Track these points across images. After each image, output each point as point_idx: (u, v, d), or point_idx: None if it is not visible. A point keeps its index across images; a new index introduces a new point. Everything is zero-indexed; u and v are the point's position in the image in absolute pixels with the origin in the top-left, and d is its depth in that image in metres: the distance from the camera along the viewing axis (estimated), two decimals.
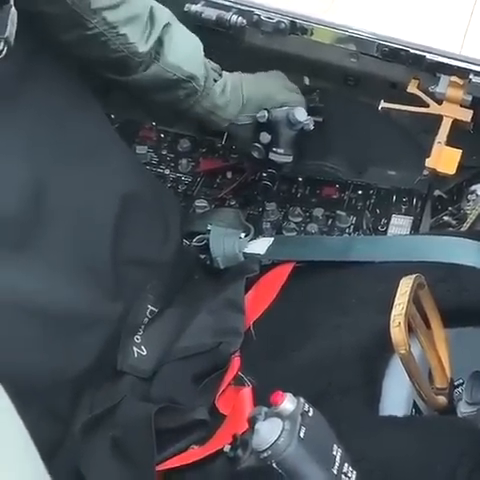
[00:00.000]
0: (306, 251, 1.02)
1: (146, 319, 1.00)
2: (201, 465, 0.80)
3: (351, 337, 0.84)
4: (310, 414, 0.50)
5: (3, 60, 0.77)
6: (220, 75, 1.08)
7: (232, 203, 1.24)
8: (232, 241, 1.09)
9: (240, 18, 1.08)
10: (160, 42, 1.01)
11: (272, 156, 1.09)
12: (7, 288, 0.80)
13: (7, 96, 0.84)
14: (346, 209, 1.20)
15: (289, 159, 1.11)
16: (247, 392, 0.85)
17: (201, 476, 0.78)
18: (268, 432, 0.48)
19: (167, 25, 1.01)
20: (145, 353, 0.98)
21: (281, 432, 0.47)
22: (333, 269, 0.97)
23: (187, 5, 1.09)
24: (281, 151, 1.09)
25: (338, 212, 1.19)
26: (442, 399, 0.79)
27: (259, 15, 1.07)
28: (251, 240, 1.10)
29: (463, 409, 0.79)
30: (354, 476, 0.50)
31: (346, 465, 0.50)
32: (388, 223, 1.17)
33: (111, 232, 0.96)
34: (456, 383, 0.84)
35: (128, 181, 1.01)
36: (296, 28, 1.07)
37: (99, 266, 0.94)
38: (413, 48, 1.03)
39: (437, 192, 1.17)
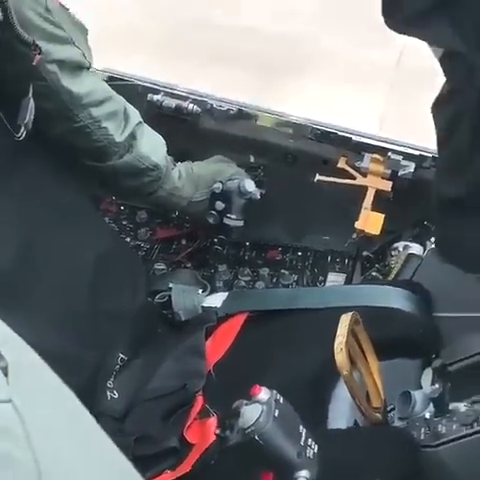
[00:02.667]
0: (257, 302, 1.18)
1: (117, 366, 1.13)
2: None
3: (301, 369, 1.00)
4: (281, 401, 0.65)
5: (5, 138, 0.92)
6: (174, 165, 1.26)
7: (188, 266, 1.39)
8: (191, 296, 1.24)
9: (195, 106, 1.27)
10: (133, 136, 1.18)
11: (226, 221, 1.26)
12: None
13: (4, 168, 0.99)
14: (288, 268, 1.37)
15: (241, 223, 1.28)
16: (213, 421, 0.99)
17: None
18: (251, 413, 0.62)
19: (139, 123, 1.20)
20: (117, 396, 1.10)
21: (261, 413, 0.62)
22: (281, 316, 1.13)
23: (149, 95, 1.28)
24: (234, 217, 1.26)
25: (282, 271, 1.36)
26: (378, 416, 0.94)
27: (212, 104, 1.26)
28: (208, 295, 1.25)
29: (396, 424, 0.95)
30: (316, 448, 0.65)
31: (310, 439, 0.64)
32: (325, 280, 1.35)
33: (88, 287, 1.09)
34: (389, 408, 1.00)
35: (102, 243, 1.16)
36: (243, 115, 1.27)
37: (79, 317, 1.07)
38: (341, 131, 1.23)
39: (365, 253, 1.36)
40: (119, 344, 1.14)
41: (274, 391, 0.67)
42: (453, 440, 0.82)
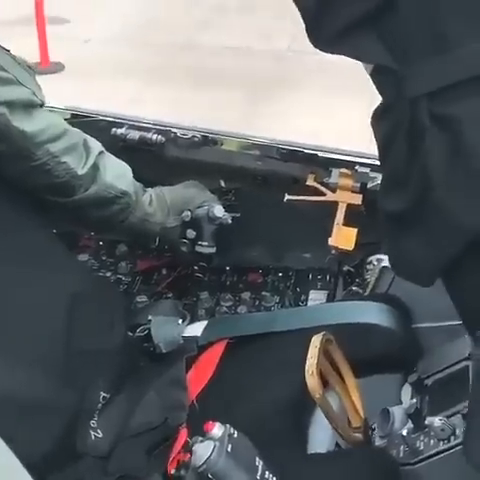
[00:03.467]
0: (236, 328, 1.17)
1: (100, 405, 1.11)
2: None
3: (279, 393, 0.98)
4: (235, 436, 0.63)
5: None
6: (144, 190, 1.25)
7: (169, 295, 1.38)
8: (171, 327, 1.22)
9: (159, 136, 1.26)
10: (96, 167, 1.18)
11: (198, 248, 1.25)
12: None
13: None
14: (270, 290, 1.36)
15: (213, 250, 1.27)
16: None
17: None
18: (203, 451, 0.61)
19: (101, 153, 1.19)
20: (101, 435, 1.09)
21: (213, 449, 0.60)
22: (260, 340, 1.12)
23: (113, 129, 1.28)
24: (205, 243, 1.25)
25: (263, 293, 1.35)
26: (358, 436, 0.92)
27: (175, 133, 1.26)
28: (188, 325, 1.24)
29: (377, 443, 0.93)
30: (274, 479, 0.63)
31: (267, 472, 0.63)
32: (307, 298, 1.33)
33: (62, 326, 1.08)
34: (372, 426, 0.98)
35: (74, 280, 1.15)
36: (208, 141, 1.26)
37: (53, 357, 1.06)
38: (306, 148, 1.23)
39: (346, 267, 1.35)
40: (100, 382, 1.13)
41: (228, 426, 0.65)
42: (430, 456, 0.80)
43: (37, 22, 4.18)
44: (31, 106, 1.07)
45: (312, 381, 0.86)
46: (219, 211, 1.24)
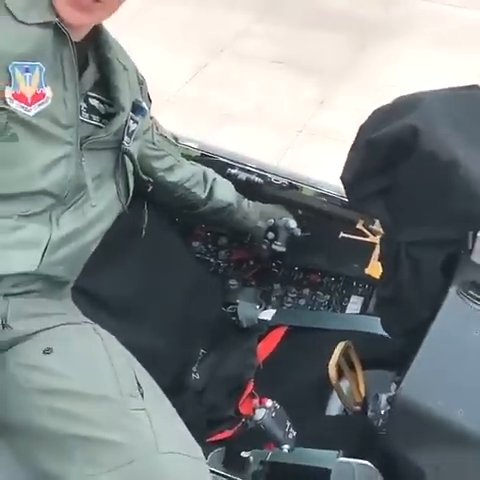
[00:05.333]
0: (294, 320, 1.75)
1: (199, 357, 1.73)
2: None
3: (312, 373, 1.56)
4: (277, 407, 1.22)
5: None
6: (244, 198, 1.80)
7: (252, 283, 1.95)
8: (251, 310, 1.81)
9: (259, 179, 1.81)
10: (212, 190, 1.74)
11: (274, 246, 1.81)
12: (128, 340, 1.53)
13: (133, 235, 1.58)
14: (323, 290, 1.90)
15: (284, 249, 1.81)
16: (256, 401, 1.57)
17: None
18: (260, 413, 1.19)
19: (214, 179, 1.75)
20: (198, 377, 1.71)
21: (264, 414, 1.19)
22: (308, 332, 1.69)
23: (228, 170, 1.83)
24: (279, 243, 1.80)
25: (318, 292, 1.89)
26: (358, 408, 1.49)
27: (270, 177, 1.80)
28: (263, 310, 1.82)
29: (368, 414, 1.49)
30: (294, 433, 1.22)
31: (291, 428, 1.21)
32: (349, 301, 1.87)
33: (182, 303, 1.70)
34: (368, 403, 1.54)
35: (192, 272, 1.76)
36: (293, 186, 1.80)
37: (176, 324, 1.67)
38: None
39: None
40: (201, 341, 1.74)
41: (275, 402, 1.24)
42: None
43: None
44: (174, 166, 1.64)
45: (332, 372, 1.43)
46: (293, 223, 1.78)
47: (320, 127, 3.53)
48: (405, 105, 1.20)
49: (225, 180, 1.78)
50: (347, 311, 1.84)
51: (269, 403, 1.22)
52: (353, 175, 1.19)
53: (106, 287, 1.56)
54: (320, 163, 2.90)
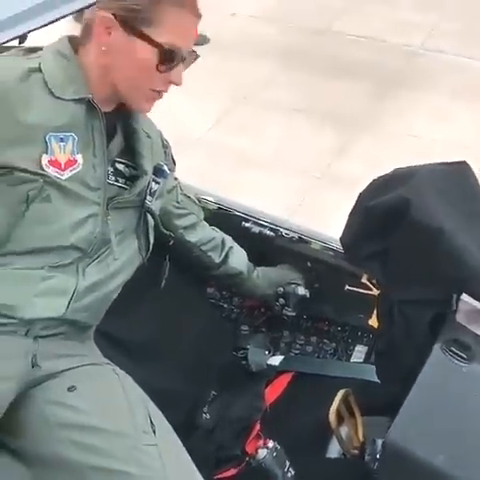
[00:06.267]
0: (300, 366, 1.87)
1: (210, 398, 1.85)
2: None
3: (315, 418, 1.66)
4: (278, 447, 1.33)
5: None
6: (255, 268, 1.91)
7: (263, 329, 2.06)
8: (260, 356, 1.93)
9: (271, 232, 1.94)
10: (227, 256, 1.86)
11: (284, 311, 1.93)
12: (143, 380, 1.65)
13: (153, 285, 1.71)
14: (330, 338, 2.01)
15: (294, 314, 1.93)
16: (261, 442, 1.68)
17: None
18: (262, 453, 1.31)
19: (231, 247, 1.87)
20: (209, 417, 1.82)
21: (266, 454, 1.30)
22: (313, 378, 1.80)
23: (242, 223, 1.96)
24: (290, 309, 1.92)
25: (325, 340, 2.00)
26: (355, 452, 1.59)
27: (281, 231, 1.93)
28: (272, 356, 1.94)
29: (366, 458, 1.59)
30: (293, 472, 1.33)
31: (291, 468, 1.32)
32: (354, 349, 1.98)
33: (195, 347, 1.82)
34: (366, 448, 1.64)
35: (207, 318, 1.88)
36: (302, 240, 1.93)
37: (188, 366, 1.79)
38: None
39: None
40: (212, 383, 1.86)
41: (275, 442, 1.35)
42: None
43: None
44: (198, 225, 1.77)
45: (332, 418, 1.53)
46: (301, 290, 1.90)
47: (338, 174, 3.65)
48: (401, 177, 1.34)
49: (240, 249, 1.90)
50: (352, 359, 1.95)
51: (271, 444, 1.33)
52: (351, 238, 1.33)
53: (125, 331, 1.70)
54: (335, 209, 3.02)
